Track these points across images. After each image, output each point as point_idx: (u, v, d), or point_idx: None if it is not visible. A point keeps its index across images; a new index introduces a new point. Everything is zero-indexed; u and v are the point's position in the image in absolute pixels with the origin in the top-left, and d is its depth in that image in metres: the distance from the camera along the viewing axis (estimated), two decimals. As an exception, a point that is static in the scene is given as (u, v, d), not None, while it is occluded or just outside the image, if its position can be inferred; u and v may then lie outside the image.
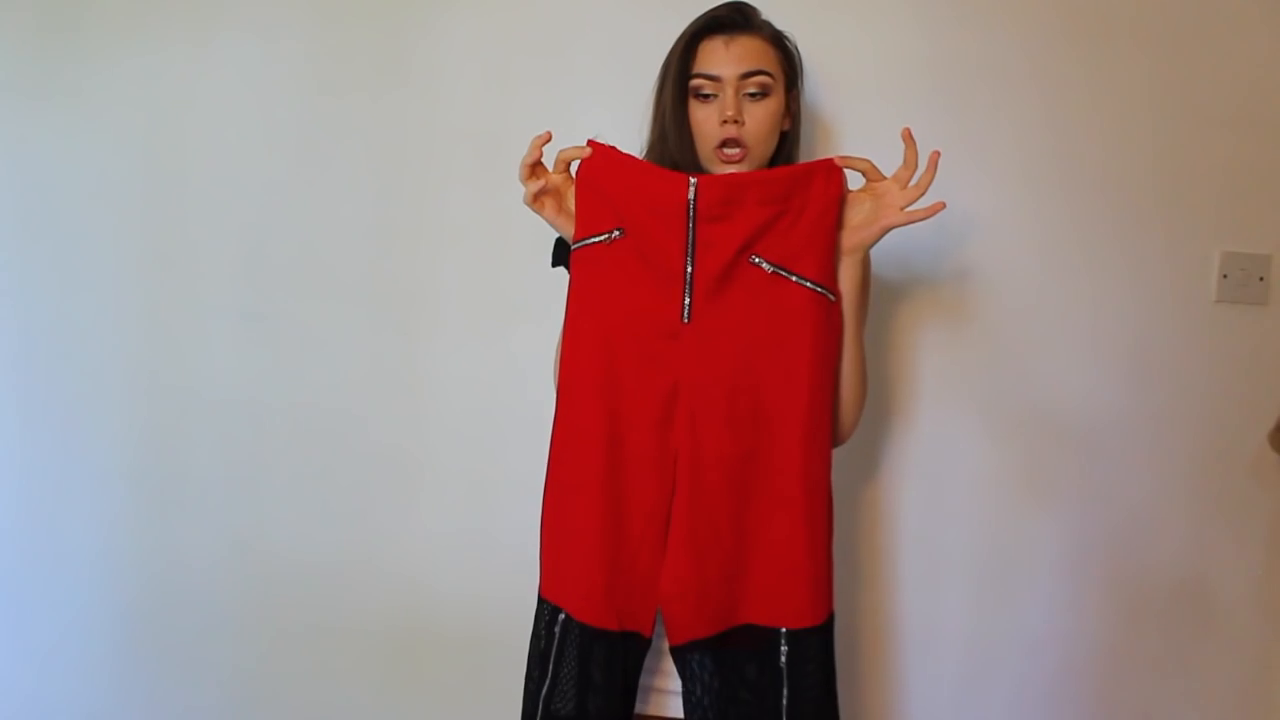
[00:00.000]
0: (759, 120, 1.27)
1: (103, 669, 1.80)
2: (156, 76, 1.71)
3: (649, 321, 1.18)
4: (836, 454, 1.30)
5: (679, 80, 1.28)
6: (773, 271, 1.18)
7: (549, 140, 1.22)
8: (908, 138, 1.22)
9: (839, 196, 1.21)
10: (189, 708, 1.80)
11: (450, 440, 1.74)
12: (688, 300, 1.17)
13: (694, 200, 1.16)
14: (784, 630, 1.18)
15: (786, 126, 1.35)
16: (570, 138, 1.67)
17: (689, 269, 1.17)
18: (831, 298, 1.20)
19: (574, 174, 1.24)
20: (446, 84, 1.70)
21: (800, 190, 1.19)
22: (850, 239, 1.23)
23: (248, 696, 1.80)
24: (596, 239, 1.20)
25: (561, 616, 1.22)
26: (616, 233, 1.19)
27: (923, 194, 1.21)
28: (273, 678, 1.80)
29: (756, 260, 1.18)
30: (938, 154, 1.22)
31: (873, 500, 1.74)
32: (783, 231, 1.18)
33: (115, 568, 1.78)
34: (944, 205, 1.20)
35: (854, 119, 1.68)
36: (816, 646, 1.19)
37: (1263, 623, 1.78)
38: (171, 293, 1.74)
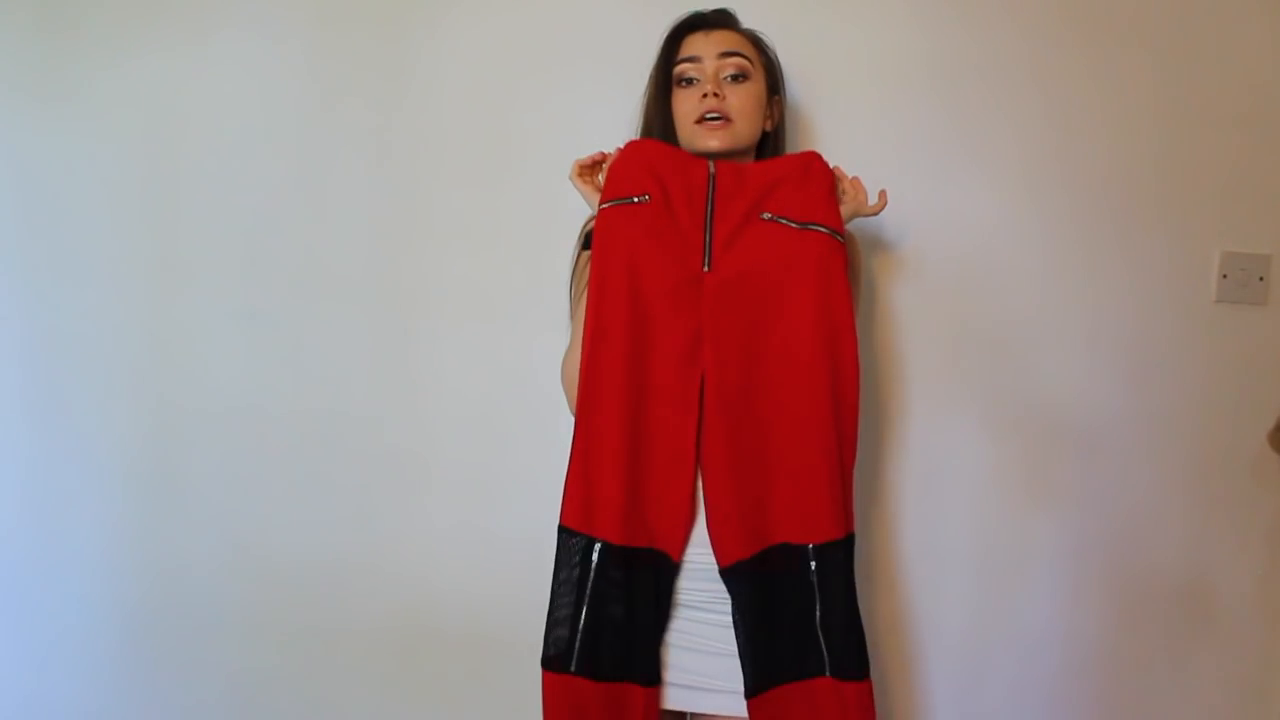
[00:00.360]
0: (740, 98, 1.36)
1: (104, 670, 1.80)
2: (157, 77, 1.71)
3: (674, 269, 1.28)
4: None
5: (661, 72, 1.37)
6: (784, 224, 1.29)
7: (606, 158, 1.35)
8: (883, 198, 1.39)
9: (832, 175, 1.35)
10: (190, 708, 1.80)
11: (451, 440, 1.74)
12: (708, 252, 1.28)
13: (713, 176, 1.31)
14: (811, 546, 1.27)
15: (769, 127, 1.42)
16: (570, 138, 1.68)
17: (708, 227, 1.29)
18: (839, 237, 1.30)
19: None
20: (447, 84, 1.70)
21: (799, 167, 1.34)
22: None
23: (248, 697, 1.80)
24: (625, 200, 1.29)
25: (597, 545, 1.27)
26: (644, 197, 1.29)
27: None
28: (274, 678, 1.80)
29: (766, 216, 1.30)
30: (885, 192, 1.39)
31: (873, 500, 1.74)
32: (786, 194, 1.31)
33: (116, 568, 1.78)
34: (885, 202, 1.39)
35: (853, 119, 1.68)
36: (841, 559, 1.29)
37: (1263, 623, 1.78)
38: (172, 293, 1.74)
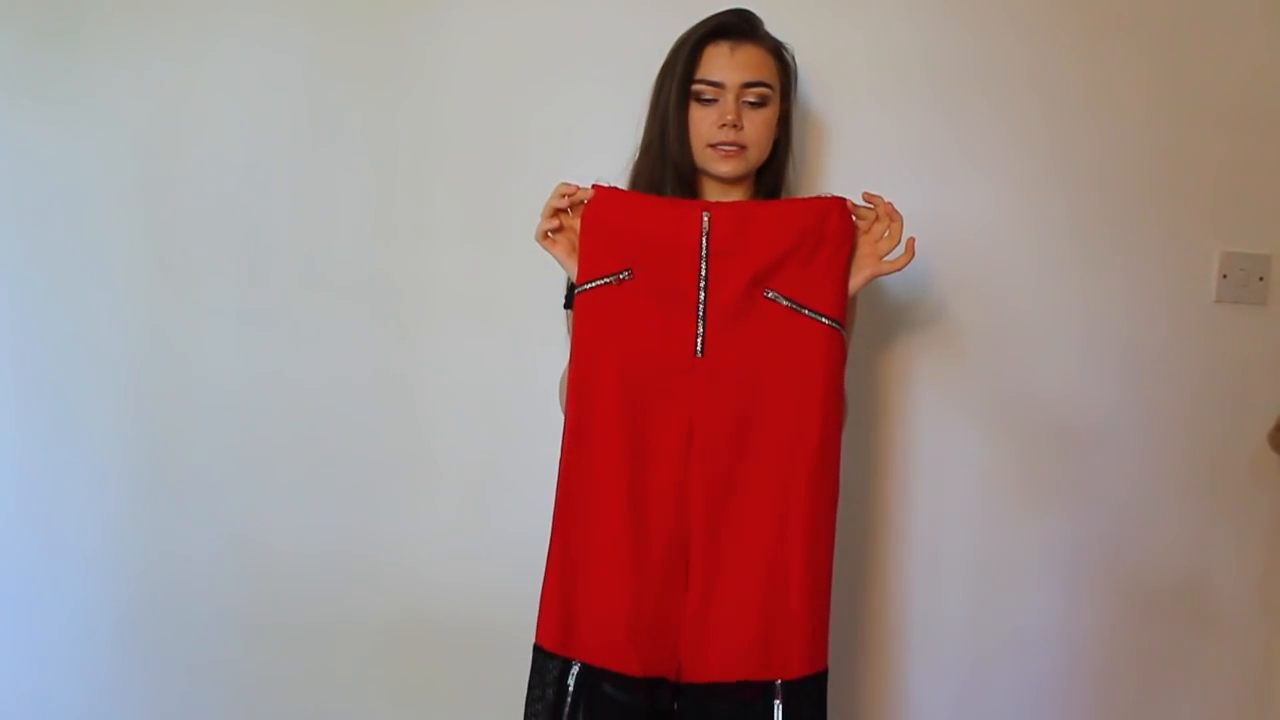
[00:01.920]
0: (757, 126, 1.31)
1: (102, 667, 1.81)
2: (157, 77, 1.71)
3: (662, 357, 1.18)
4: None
5: (682, 82, 1.30)
6: (788, 306, 1.19)
7: (575, 194, 1.23)
8: (868, 199, 1.25)
9: (852, 233, 1.22)
10: (189, 706, 1.81)
11: (450, 439, 1.75)
12: (701, 333, 1.18)
13: (707, 231, 1.17)
14: (779, 682, 1.17)
15: (778, 134, 1.38)
16: (571, 139, 1.69)
17: (702, 301, 1.17)
18: (844, 331, 1.22)
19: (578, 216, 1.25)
20: (446, 85, 1.70)
21: (814, 227, 1.19)
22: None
23: (247, 694, 1.80)
24: (603, 280, 1.19)
25: (576, 668, 1.20)
26: (625, 274, 1.19)
27: (896, 244, 1.24)
28: (272, 676, 1.80)
29: (772, 295, 1.18)
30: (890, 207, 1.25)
31: (873, 500, 1.74)
32: (797, 267, 1.19)
33: (115, 566, 1.79)
34: (913, 253, 1.23)
35: (852, 119, 1.68)
36: (812, 695, 1.18)
37: (1263, 622, 1.78)
38: (171, 292, 1.74)
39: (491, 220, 1.71)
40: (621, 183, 1.35)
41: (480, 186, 1.71)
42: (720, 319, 1.17)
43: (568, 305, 1.32)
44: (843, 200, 1.24)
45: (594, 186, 1.23)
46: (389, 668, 1.79)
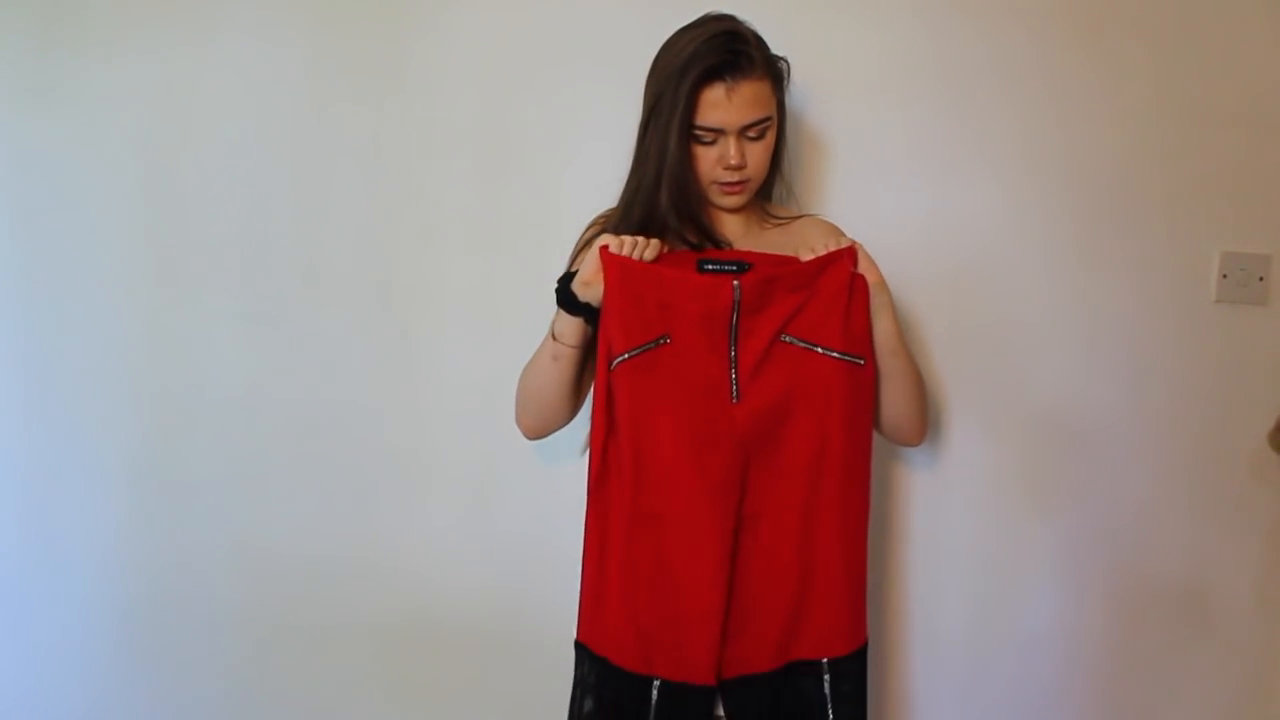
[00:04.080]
0: (758, 157, 1.34)
1: (103, 667, 1.81)
2: (157, 77, 1.71)
3: (704, 407, 1.26)
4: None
5: (683, 127, 1.29)
6: (804, 347, 1.27)
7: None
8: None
9: (846, 278, 1.28)
10: (188, 706, 1.81)
11: (451, 440, 1.75)
12: (734, 379, 1.26)
13: (738, 300, 1.25)
14: (826, 660, 1.28)
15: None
16: (570, 137, 1.69)
17: (733, 356, 1.26)
18: (860, 362, 1.28)
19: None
20: (446, 85, 1.70)
21: (827, 278, 1.28)
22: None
23: (248, 695, 1.80)
24: (645, 348, 1.26)
25: (656, 683, 1.26)
26: (664, 339, 1.26)
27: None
28: (273, 676, 1.80)
29: (788, 339, 1.27)
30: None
31: (873, 500, 1.73)
32: (809, 311, 1.27)
33: (116, 566, 1.79)
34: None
35: (854, 120, 1.68)
36: (854, 670, 1.29)
37: (1263, 623, 1.78)
38: (172, 292, 1.74)
39: (492, 221, 1.71)
40: (613, 201, 1.38)
41: (481, 187, 1.71)
42: (749, 368, 1.26)
43: (564, 301, 1.31)
44: (852, 249, 1.29)
45: (604, 252, 1.26)
46: (389, 668, 1.79)
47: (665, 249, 1.29)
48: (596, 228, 1.40)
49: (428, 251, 1.72)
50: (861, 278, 1.28)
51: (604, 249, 1.25)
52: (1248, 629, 1.78)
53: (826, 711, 1.27)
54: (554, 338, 1.32)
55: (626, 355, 1.25)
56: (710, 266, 1.27)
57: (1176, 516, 1.75)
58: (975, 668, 1.77)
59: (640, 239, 1.26)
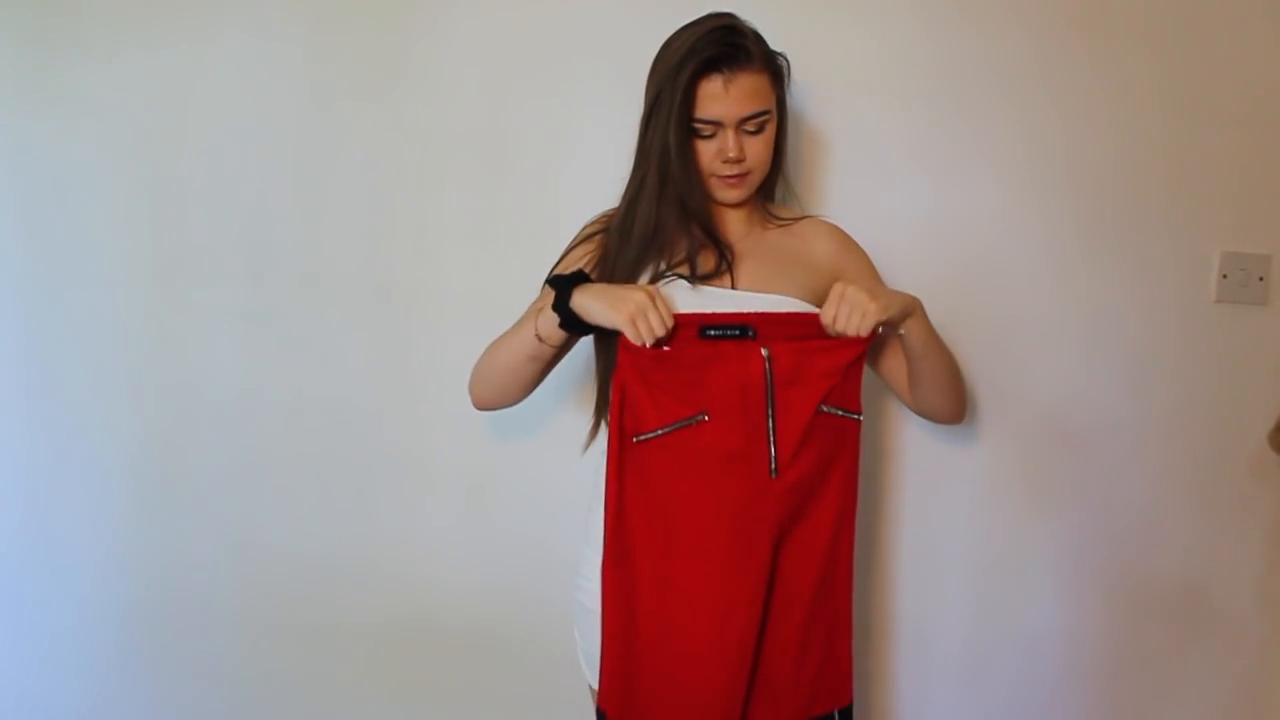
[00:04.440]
0: (758, 150, 1.33)
1: (102, 668, 1.81)
2: (157, 76, 1.71)
3: (744, 481, 1.23)
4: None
5: (680, 121, 1.28)
6: (840, 415, 1.27)
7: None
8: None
9: (842, 366, 1.26)
10: (188, 706, 1.81)
11: (450, 440, 1.75)
12: (774, 455, 1.23)
13: (770, 371, 1.23)
14: (836, 711, 1.33)
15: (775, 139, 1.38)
16: (570, 139, 1.69)
17: (771, 427, 1.23)
18: (861, 418, 1.29)
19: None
20: (446, 84, 1.70)
21: (850, 350, 1.26)
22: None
23: (247, 695, 1.80)
24: (681, 424, 1.23)
25: None
26: (703, 416, 1.23)
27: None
28: (272, 676, 1.80)
29: (825, 409, 1.26)
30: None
31: (873, 500, 1.74)
32: (846, 381, 1.27)
33: (116, 566, 1.79)
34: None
35: (855, 120, 1.68)
36: None
37: (1263, 623, 1.78)
38: (171, 292, 1.74)
39: (492, 220, 1.71)
40: (614, 198, 1.38)
41: (480, 186, 1.71)
42: (794, 444, 1.24)
43: (568, 322, 1.26)
44: (859, 342, 1.25)
45: (624, 342, 1.23)
46: (389, 669, 1.79)
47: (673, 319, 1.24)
48: (599, 224, 1.40)
49: (427, 251, 1.72)
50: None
51: (623, 342, 1.21)
52: (1248, 629, 1.78)
53: None
54: (539, 338, 1.28)
55: (660, 432, 1.24)
56: (713, 332, 1.24)
57: (1177, 516, 1.75)
58: (975, 668, 1.78)
59: (653, 315, 1.20)
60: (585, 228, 1.41)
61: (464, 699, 1.78)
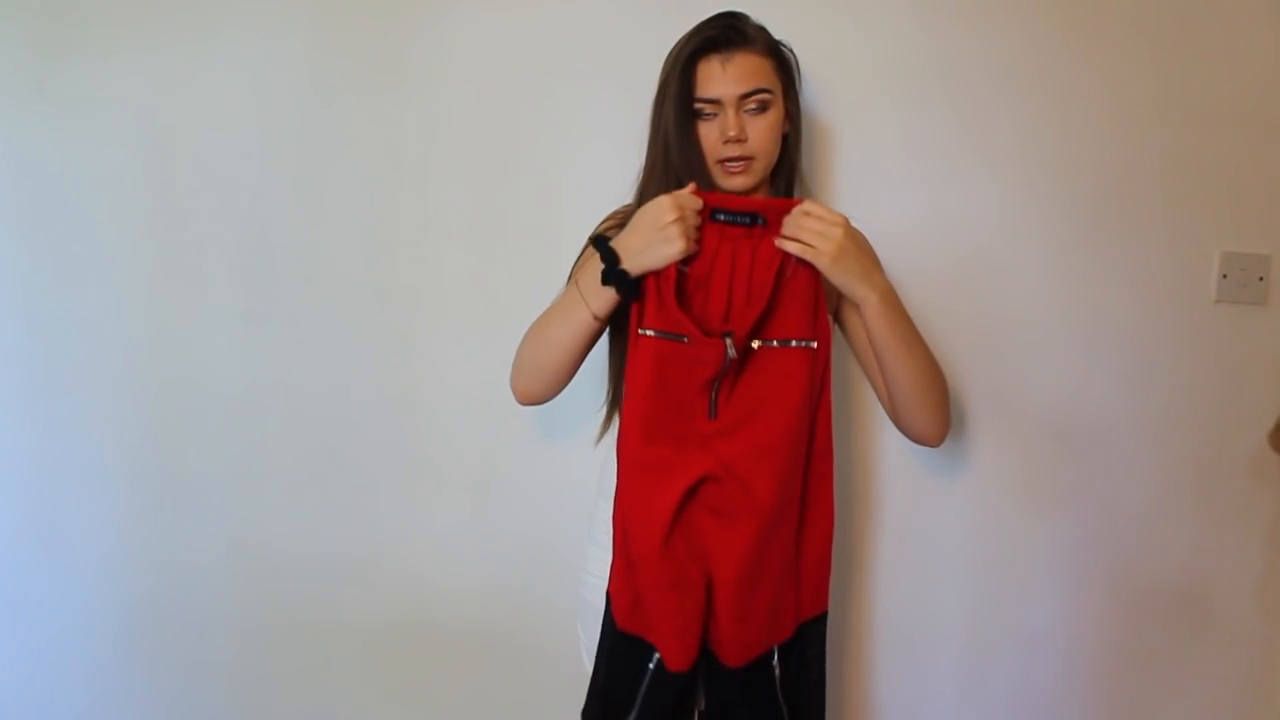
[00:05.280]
0: (761, 132, 1.31)
1: (102, 668, 1.81)
2: (157, 75, 1.71)
3: (691, 411, 1.24)
4: (842, 454, 1.30)
5: (681, 102, 1.29)
6: (777, 346, 1.24)
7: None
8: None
9: (768, 256, 1.23)
10: (189, 706, 1.81)
11: (450, 439, 1.75)
12: (714, 406, 1.24)
13: (730, 354, 1.22)
14: (775, 647, 1.26)
15: (786, 129, 1.37)
16: (570, 139, 1.69)
17: (716, 385, 1.24)
18: (813, 345, 1.24)
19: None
20: (446, 84, 1.70)
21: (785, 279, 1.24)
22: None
23: (247, 695, 1.80)
24: (675, 337, 1.22)
25: (655, 657, 1.26)
26: (685, 339, 1.22)
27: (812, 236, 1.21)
28: (272, 677, 1.80)
29: (758, 344, 1.24)
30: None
31: (872, 500, 1.74)
32: (778, 313, 1.25)
33: (116, 566, 1.79)
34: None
35: (855, 119, 1.68)
36: (802, 648, 1.28)
37: (1263, 623, 1.78)
38: (172, 292, 1.74)
39: (493, 220, 1.71)
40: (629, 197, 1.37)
41: (482, 186, 1.71)
42: (727, 385, 1.24)
43: (624, 283, 1.24)
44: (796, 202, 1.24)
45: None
46: (389, 669, 1.79)
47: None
48: (614, 220, 1.39)
49: (428, 251, 1.72)
50: (802, 268, 1.23)
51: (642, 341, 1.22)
52: (1248, 629, 1.78)
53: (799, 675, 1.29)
54: (593, 315, 1.26)
55: (659, 335, 1.23)
56: (722, 217, 1.22)
57: (1177, 516, 1.75)
58: (975, 667, 1.78)
59: (685, 201, 1.19)
60: (601, 223, 1.41)
61: (464, 699, 1.78)
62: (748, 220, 1.22)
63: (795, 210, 1.21)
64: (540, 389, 1.37)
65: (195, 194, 1.73)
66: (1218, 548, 1.76)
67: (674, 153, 1.30)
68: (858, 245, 1.22)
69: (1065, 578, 1.76)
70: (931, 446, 1.37)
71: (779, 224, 1.22)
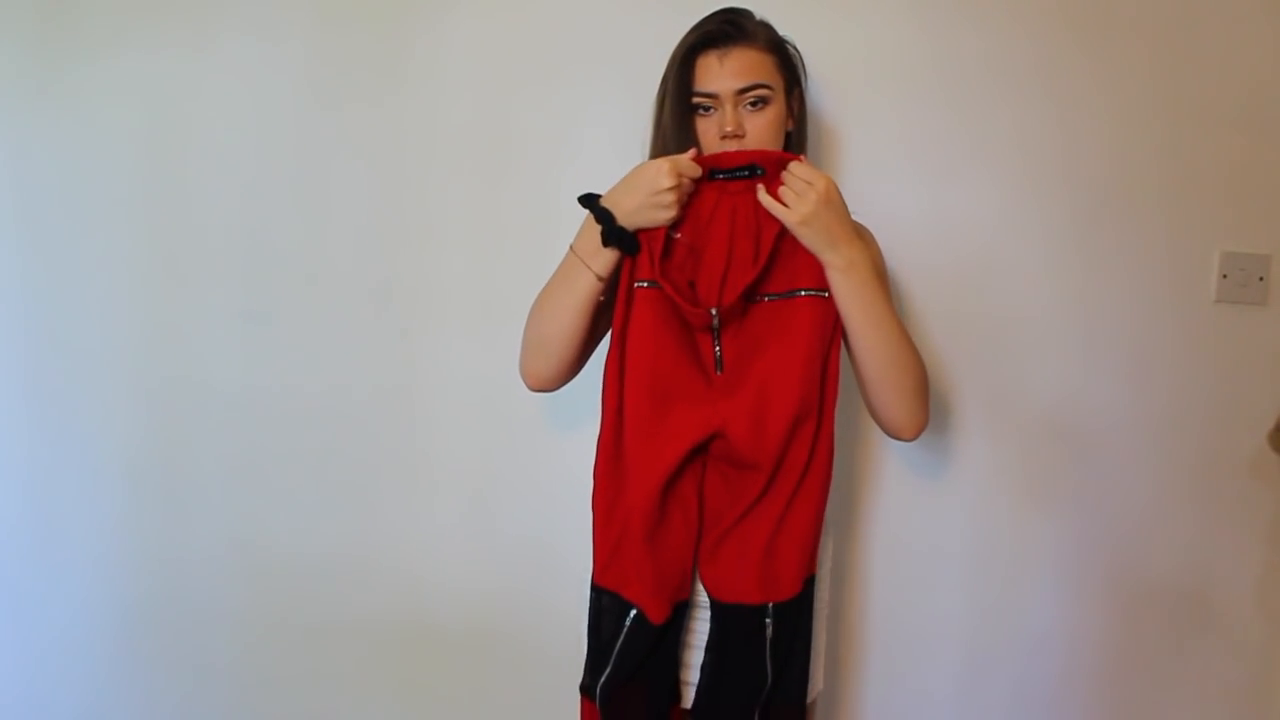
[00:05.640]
0: (759, 129, 1.30)
1: (102, 667, 1.81)
2: (157, 76, 1.71)
3: (694, 360, 1.27)
4: (842, 454, 1.31)
5: (679, 97, 1.30)
6: (783, 299, 1.26)
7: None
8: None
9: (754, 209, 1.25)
10: (188, 706, 1.81)
11: (450, 439, 1.75)
12: (719, 361, 1.27)
13: (718, 321, 1.26)
14: (771, 605, 1.25)
15: (790, 127, 1.36)
16: (570, 139, 1.69)
17: (718, 341, 1.27)
18: (824, 294, 1.25)
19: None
20: (446, 85, 1.70)
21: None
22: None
23: (247, 696, 1.80)
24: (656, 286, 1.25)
25: (633, 612, 1.27)
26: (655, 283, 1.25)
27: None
28: (272, 677, 1.80)
29: (760, 298, 1.27)
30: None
31: (873, 500, 1.74)
32: (777, 268, 1.27)
33: (116, 566, 1.79)
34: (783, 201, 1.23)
35: (855, 119, 1.68)
36: (796, 613, 1.27)
37: (1263, 623, 1.78)
38: (172, 292, 1.75)
39: (493, 221, 1.71)
40: None
41: (481, 187, 1.71)
42: (730, 334, 1.26)
43: (621, 238, 1.25)
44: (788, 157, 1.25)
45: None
46: (389, 669, 1.79)
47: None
48: None
49: (428, 251, 1.72)
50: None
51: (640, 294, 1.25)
52: (1248, 629, 1.78)
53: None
54: (598, 278, 1.26)
55: (647, 284, 1.25)
56: (721, 175, 1.24)
57: (1177, 516, 1.75)
58: (975, 668, 1.77)
59: (681, 160, 1.22)
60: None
61: (464, 699, 1.78)
62: (746, 173, 1.24)
63: (789, 166, 1.23)
64: (550, 369, 1.36)
65: (196, 194, 1.73)
66: (1217, 548, 1.76)
67: (672, 148, 1.29)
68: (833, 210, 1.21)
69: (1065, 578, 1.76)
70: (905, 440, 1.33)
71: (778, 174, 1.23)
